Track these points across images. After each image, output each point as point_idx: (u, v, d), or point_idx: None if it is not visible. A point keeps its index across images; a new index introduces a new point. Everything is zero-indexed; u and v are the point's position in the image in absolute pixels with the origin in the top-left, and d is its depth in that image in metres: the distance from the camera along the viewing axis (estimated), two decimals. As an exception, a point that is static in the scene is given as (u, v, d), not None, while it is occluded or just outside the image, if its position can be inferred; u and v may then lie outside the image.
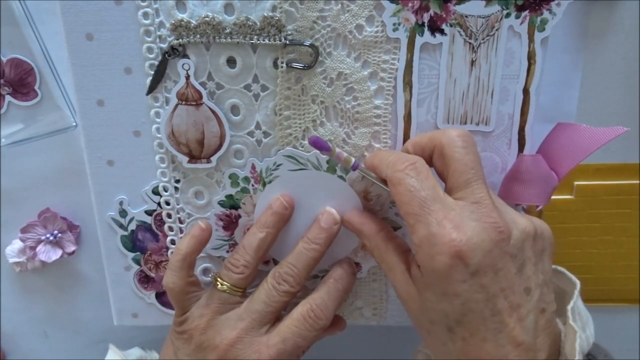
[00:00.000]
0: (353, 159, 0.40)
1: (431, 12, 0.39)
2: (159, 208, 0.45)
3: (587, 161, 0.41)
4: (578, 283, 0.39)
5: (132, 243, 0.47)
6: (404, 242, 0.40)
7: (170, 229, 0.46)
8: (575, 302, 0.38)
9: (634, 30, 0.44)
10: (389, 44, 0.40)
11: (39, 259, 0.50)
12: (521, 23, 0.39)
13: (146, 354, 0.52)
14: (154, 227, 0.46)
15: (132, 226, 0.46)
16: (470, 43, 0.40)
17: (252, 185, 0.43)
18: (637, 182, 0.48)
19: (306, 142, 0.42)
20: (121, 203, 0.45)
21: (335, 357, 0.57)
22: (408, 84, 0.41)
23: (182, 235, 0.46)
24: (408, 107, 0.42)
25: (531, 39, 0.40)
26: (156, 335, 0.56)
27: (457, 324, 0.34)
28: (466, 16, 0.39)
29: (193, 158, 0.43)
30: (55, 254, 0.50)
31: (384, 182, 0.37)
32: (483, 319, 0.33)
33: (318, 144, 0.39)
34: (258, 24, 0.39)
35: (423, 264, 0.34)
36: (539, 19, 0.39)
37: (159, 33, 0.40)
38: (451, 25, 0.39)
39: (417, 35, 0.40)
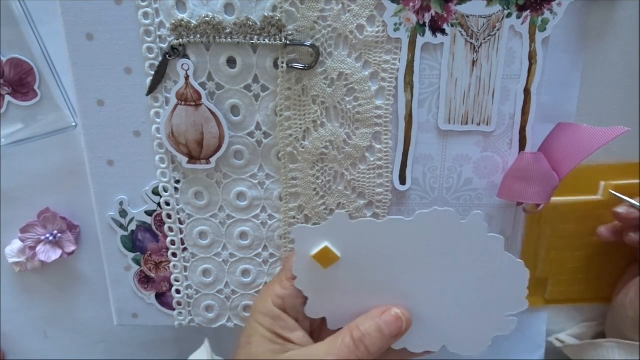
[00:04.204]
0: None
1: (432, 12, 0.39)
2: (159, 208, 0.45)
3: (587, 161, 0.41)
4: None
5: (132, 243, 0.47)
6: None
7: (170, 229, 0.46)
8: None
9: (634, 30, 0.44)
10: (390, 44, 0.40)
11: (38, 259, 0.50)
12: (522, 23, 0.39)
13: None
14: (154, 227, 0.46)
15: (132, 226, 0.46)
16: (471, 43, 0.40)
17: None
18: (637, 181, 0.48)
19: (306, 142, 0.42)
20: (121, 203, 0.45)
21: None
22: (409, 84, 0.41)
23: (182, 235, 0.46)
24: (409, 107, 0.42)
25: (532, 39, 0.40)
26: (156, 335, 0.56)
27: None
28: (467, 16, 0.39)
29: (192, 159, 0.43)
30: (55, 254, 0.50)
31: None
32: None
33: None
34: (258, 24, 0.39)
35: None
36: (540, 18, 0.39)
37: (159, 33, 0.40)
38: (452, 25, 0.39)
39: (418, 35, 0.40)
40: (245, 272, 0.47)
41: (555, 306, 0.54)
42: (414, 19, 0.39)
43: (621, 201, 0.46)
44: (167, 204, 0.45)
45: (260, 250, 0.47)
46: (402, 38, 0.40)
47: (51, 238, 0.50)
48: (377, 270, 0.39)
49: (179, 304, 0.49)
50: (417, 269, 0.39)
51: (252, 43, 0.39)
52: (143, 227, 0.46)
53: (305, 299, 0.40)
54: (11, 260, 0.51)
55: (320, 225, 0.38)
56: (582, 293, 0.53)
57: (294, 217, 0.45)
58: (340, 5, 0.39)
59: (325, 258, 0.39)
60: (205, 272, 0.48)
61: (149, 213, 0.46)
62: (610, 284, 0.52)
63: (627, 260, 0.51)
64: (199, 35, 0.39)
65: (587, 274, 0.52)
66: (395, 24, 0.39)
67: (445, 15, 0.39)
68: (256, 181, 0.44)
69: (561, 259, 0.51)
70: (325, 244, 0.38)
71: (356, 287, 0.40)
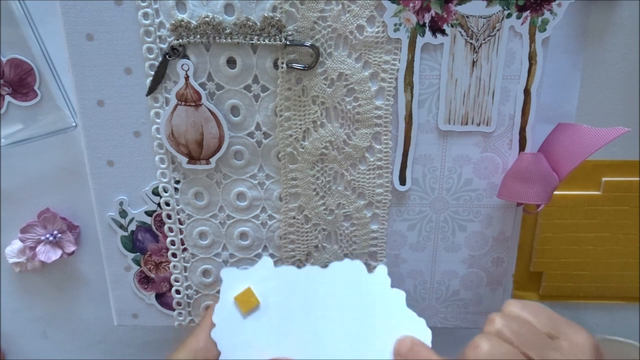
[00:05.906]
0: None
1: (432, 12, 0.39)
2: (159, 209, 0.45)
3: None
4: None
5: (132, 243, 0.47)
6: None
7: (170, 229, 0.46)
8: None
9: (634, 30, 0.44)
10: (390, 45, 0.40)
11: (38, 259, 0.50)
12: (522, 23, 0.39)
13: None
14: (154, 227, 0.46)
15: (132, 227, 0.46)
16: (471, 43, 0.40)
17: None
18: (637, 179, 0.48)
19: (306, 143, 0.42)
20: (121, 203, 0.45)
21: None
22: (409, 85, 0.41)
23: (182, 236, 0.46)
24: (409, 107, 0.42)
25: (532, 39, 0.40)
26: (156, 335, 0.56)
27: None
28: (467, 16, 0.39)
29: (192, 159, 0.43)
30: (55, 254, 0.50)
31: None
32: None
33: None
34: (258, 24, 0.39)
35: None
36: (540, 19, 0.39)
37: (159, 33, 0.40)
38: (452, 26, 0.39)
39: (418, 36, 0.40)
40: (245, 272, 0.47)
41: (556, 306, 0.54)
42: (413, 19, 0.39)
43: None
44: (167, 204, 0.45)
45: (260, 250, 0.47)
46: (402, 38, 0.40)
47: (51, 238, 0.50)
48: (291, 321, 0.41)
49: (179, 304, 0.49)
50: (327, 321, 0.40)
51: (252, 43, 0.39)
52: (143, 227, 0.46)
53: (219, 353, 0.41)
54: (11, 260, 0.51)
55: (248, 269, 0.41)
56: (577, 290, 0.53)
57: (294, 218, 0.45)
58: (340, 5, 0.39)
59: (247, 301, 0.41)
60: (205, 273, 0.48)
61: (148, 213, 0.46)
62: (606, 282, 0.52)
63: (622, 257, 0.51)
64: (198, 36, 0.39)
65: (582, 271, 0.52)
66: (395, 25, 0.39)
67: (445, 16, 0.39)
68: (256, 181, 0.44)
69: (556, 253, 0.51)
70: (249, 285, 0.41)
71: (269, 339, 0.41)
